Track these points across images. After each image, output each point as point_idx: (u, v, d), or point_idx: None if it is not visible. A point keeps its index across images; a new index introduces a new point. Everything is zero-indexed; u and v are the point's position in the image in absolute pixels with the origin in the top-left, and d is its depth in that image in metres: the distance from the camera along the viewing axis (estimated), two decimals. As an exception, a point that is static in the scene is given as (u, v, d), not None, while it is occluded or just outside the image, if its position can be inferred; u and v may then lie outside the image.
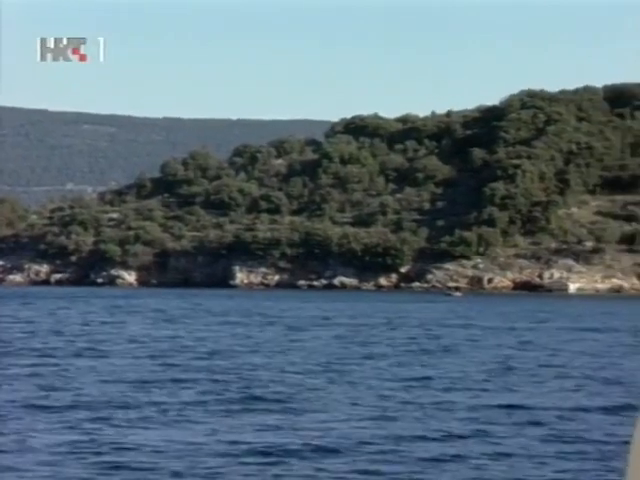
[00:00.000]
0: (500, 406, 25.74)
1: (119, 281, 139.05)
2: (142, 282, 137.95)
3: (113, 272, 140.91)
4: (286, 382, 30.43)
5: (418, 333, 52.44)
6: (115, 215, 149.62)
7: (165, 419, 23.32)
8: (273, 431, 21.85)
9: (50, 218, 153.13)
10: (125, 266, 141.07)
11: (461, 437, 21.34)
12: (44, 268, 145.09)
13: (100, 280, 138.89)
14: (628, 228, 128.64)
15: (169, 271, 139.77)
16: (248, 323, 59.25)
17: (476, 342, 46.56)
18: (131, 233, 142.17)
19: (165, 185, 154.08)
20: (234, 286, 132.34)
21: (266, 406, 25.57)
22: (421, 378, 31.58)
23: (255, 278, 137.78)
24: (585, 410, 25.24)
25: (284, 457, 19.18)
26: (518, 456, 19.64)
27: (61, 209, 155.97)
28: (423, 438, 21.20)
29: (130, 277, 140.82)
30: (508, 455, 19.60)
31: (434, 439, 21.16)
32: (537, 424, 23.18)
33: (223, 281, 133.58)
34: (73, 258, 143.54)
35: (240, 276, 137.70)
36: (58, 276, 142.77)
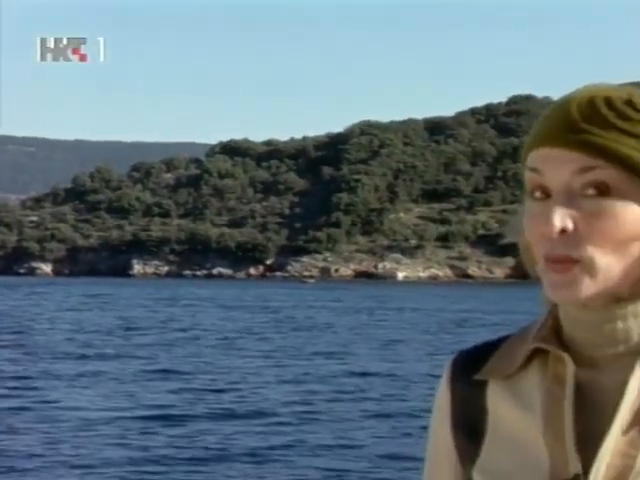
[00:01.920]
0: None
1: (38, 272, 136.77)
2: (57, 272, 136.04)
3: (33, 264, 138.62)
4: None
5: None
6: (35, 218, 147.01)
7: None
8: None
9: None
10: (43, 259, 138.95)
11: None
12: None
13: (22, 271, 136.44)
14: (442, 229, 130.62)
15: (79, 263, 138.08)
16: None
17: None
18: (48, 233, 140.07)
19: (76, 194, 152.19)
20: (132, 275, 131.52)
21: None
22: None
23: (149, 269, 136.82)
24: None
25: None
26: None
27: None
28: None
29: (47, 268, 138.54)
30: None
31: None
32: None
33: (123, 271, 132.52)
34: (0, 253, 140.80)
35: (137, 267, 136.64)
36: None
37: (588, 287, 1.20)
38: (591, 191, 1.19)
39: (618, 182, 1.19)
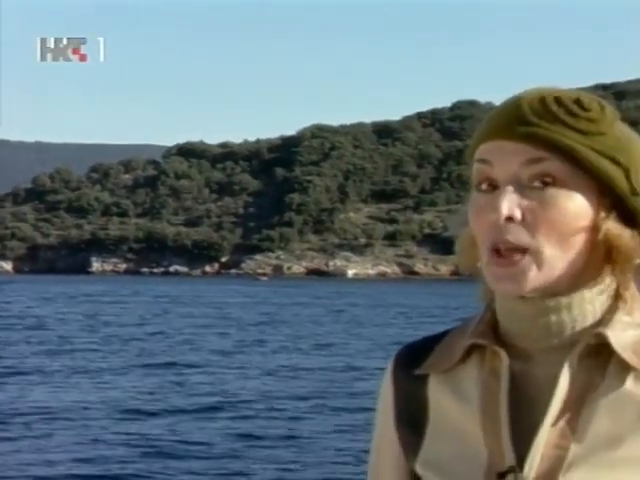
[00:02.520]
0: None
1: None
2: (17, 270, 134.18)
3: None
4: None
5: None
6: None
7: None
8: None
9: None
10: (4, 257, 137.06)
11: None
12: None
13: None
14: (390, 228, 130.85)
15: (39, 261, 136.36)
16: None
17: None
18: (8, 232, 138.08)
19: (36, 194, 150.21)
20: (91, 273, 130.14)
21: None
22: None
23: (108, 267, 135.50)
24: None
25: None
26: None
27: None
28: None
29: (7, 266, 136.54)
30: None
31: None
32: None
33: (82, 269, 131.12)
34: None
35: (96, 265, 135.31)
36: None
37: (534, 279, 1.20)
38: (538, 182, 1.19)
39: (563, 174, 1.19)
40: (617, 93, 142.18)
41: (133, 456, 12.59)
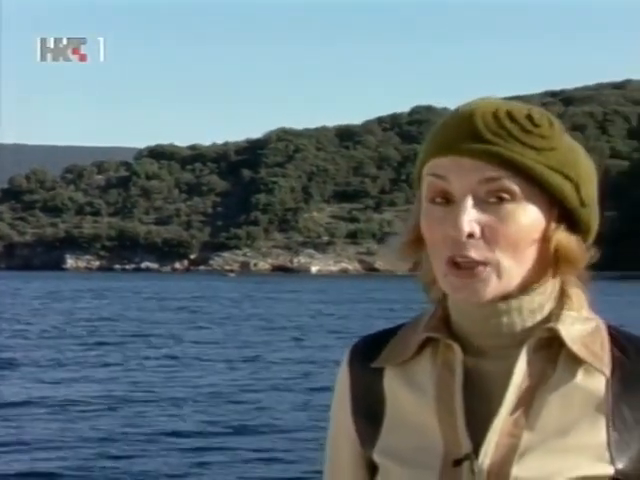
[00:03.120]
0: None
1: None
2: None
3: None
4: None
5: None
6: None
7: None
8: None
9: None
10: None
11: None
12: None
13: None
14: (352, 227, 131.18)
15: (15, 258, 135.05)
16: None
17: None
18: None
19: (13, 194, 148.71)
20: (66, 269, 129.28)
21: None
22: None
23: (82, 264, 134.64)
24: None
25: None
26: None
27: None
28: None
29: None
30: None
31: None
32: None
33: (57, 265, 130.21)
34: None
35: (70, 262, 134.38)
36: None
37: (494, 289, 1.20)
38: (494, 198, 1.19)
39: (520, 190, 1.19)
40: (565, 99, 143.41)
41: (101, 447, 12.24)
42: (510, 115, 1.20)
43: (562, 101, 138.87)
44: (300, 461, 11.43)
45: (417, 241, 1.25)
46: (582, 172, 1.22)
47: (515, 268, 1.20)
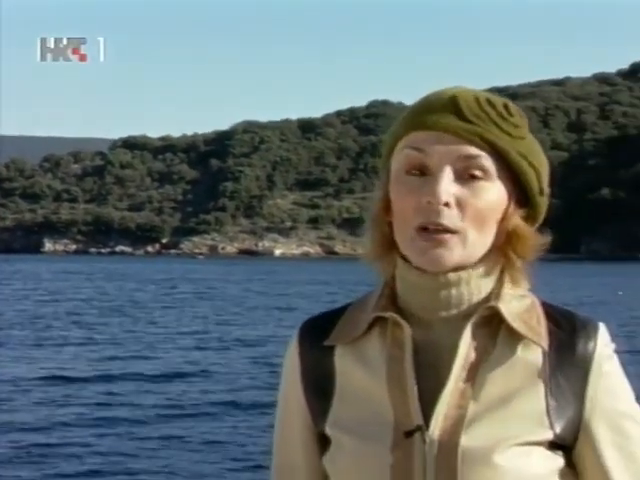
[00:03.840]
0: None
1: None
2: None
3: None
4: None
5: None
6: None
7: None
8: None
9: None
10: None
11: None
12: None
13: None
14: (313, 213, 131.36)
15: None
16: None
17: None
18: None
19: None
20: (44, 252, 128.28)
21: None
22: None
23: (59, 247, 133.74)
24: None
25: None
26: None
27: None
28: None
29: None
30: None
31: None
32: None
33: (36, 249, 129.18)
34: None
35: (48, 245, 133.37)
36: None
37: (458, 257, 1.21)
38: (469, 175, 1.21)
39: (492, 170, 1.21)
40: (510, 95, 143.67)
41: (74, 423, 11.76)
42: (490, 102, 1.23)
43: (507, 97, 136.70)
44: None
45: (386, 210, 1.25)
46: (543, 163, 1.25)
47: (479, 241, 1.22)
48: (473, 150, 1.20)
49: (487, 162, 1.21)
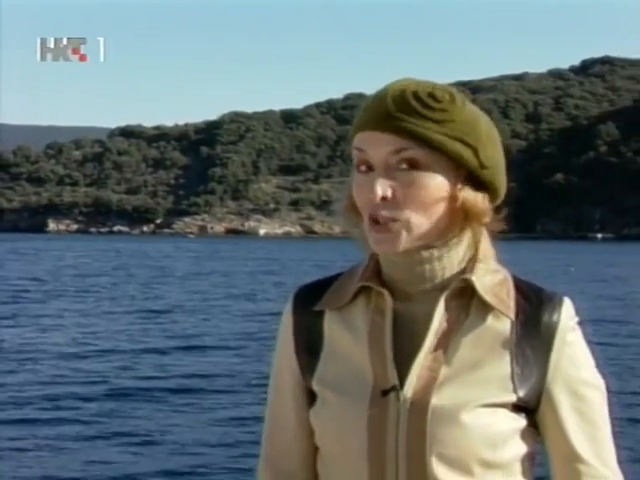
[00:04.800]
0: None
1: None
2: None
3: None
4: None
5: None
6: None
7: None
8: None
9: None
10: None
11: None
12: None
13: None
14: (294, 196, 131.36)
15: (4, 222, 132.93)
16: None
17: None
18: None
19: (1, 167, 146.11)
20: (48, 232, 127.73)
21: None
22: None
23: (62, 227, 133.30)
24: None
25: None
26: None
27: None
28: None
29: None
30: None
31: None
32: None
33: (41, 229, 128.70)
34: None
35: (52, 225, 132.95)
36: None
37: (405, 241, 1.22)
38: (404, 166, 1.21)
39: (424, 158, 1.21)
40: (473, 88, 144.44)
41: (90, 395, 10.77)
42: (415, 94, 1.22)
43: (470, 90, 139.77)
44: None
45: (354, 205, 1.26)
46: (482, 138, 1.23)
47: (424, 223, 1.22)
48: (401, 144, 1.20)
49: (417, 152, 1.21)
